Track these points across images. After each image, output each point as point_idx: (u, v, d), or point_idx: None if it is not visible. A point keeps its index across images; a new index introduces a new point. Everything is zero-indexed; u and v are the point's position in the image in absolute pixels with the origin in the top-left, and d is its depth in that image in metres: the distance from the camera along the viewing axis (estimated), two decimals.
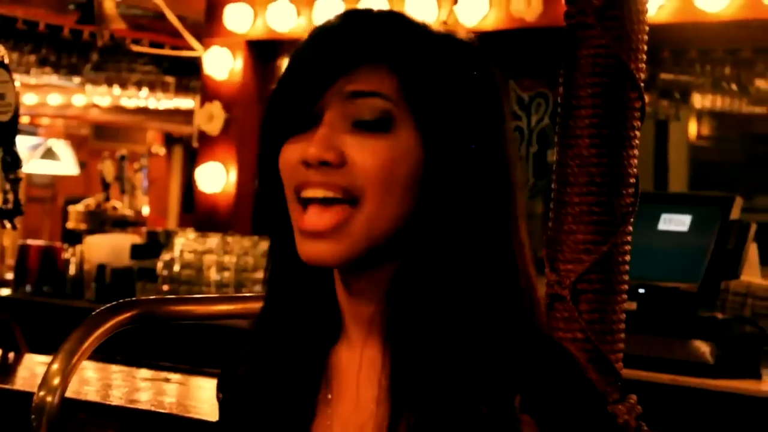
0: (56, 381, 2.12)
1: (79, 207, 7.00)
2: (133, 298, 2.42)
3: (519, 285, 1.39)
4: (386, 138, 1.34)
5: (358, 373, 1.41)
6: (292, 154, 1.35)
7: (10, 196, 3.16)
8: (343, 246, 1.34)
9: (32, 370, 2.64)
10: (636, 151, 2.02)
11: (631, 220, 2.02)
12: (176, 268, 5.95)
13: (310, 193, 1.33)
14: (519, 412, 1.30)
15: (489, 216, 1.37)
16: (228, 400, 1.52)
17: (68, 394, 2.22)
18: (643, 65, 2.00)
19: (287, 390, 1.44)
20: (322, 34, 1.41)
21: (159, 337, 4.88)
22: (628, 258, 2.03)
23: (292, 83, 1.38)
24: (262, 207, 1.45)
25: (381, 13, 1.42)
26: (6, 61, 3.20)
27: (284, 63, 6.29)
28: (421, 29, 1.40)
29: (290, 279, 1.44)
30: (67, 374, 2.13)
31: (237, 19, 6.50)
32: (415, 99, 1.34)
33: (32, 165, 11.84)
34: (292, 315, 1.45)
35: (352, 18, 1.41)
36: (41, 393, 2.14)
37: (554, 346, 1.39)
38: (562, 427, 1.31)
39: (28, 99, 10.35)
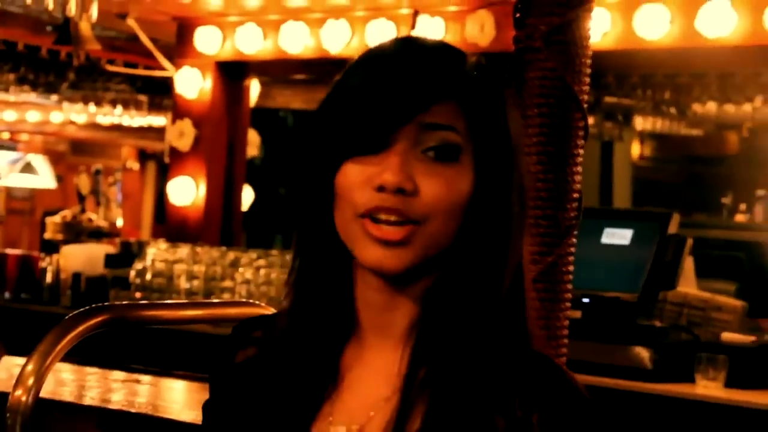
0: (30, 381, 2.10)
1: (56, 218, 6.96)
2: (105, 303, 2.40)
3: (525, 304, 1.41)
4: (454, 168, 1.35)
5: (367, 372, 1.42)
6: (358, 175, 1.35)
7: None
8: (407, 257, 1.35)
9: (10, 371, 2.62)
10: (579, 168, 2.04)
11: (575, 232, 2.04)
12: (148, 276, 5.92)
13: (383, 216, 1.34)
14: (537, 428, 1.31)
15: (512, 238, 1.39)
16: (220, 381, 1.51)
17: (43, 394, 2.20)
18: (587, 88, 2.01)
19: (294, 381, 1.43)
20: (388, 63, 1.40)
21: (131, 341, 4.85)
22: (571, 268, 2.05)
23: (365, 109, 1.37)
24: (302, 212, 1.45)
25: (438, 46, 1.42)
26: None
27: (252, 83, 6.21)
28: (471, 64, 1.40)
29: (315, 281, 1.44)
30: (41, 375, 2.11)
31: (207, 41, 6.47)
32: (478, 134, 1.36)
33: (12, 179, 11.76)
34: (311, 314, 1.45)
35: (415, 50, 1.41)
36: (16, 393, 2.11)
37: (553, 364, 1.39)
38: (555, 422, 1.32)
39: (8, 116, 10.27)
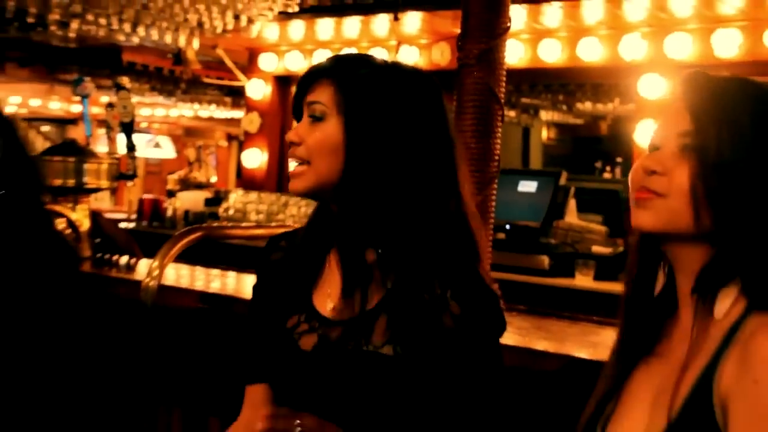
0: (155, 272, 2.12)
1: (174, 176, 6.98)
2: (199, 225, 2.42)
3: (448, 207, 1.35)
4: (322, 125, 1.35)
5: (337, 267, 1.40)
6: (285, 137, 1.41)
7: (131, 167, 3.15)
8: (302, 182, 1.37)
9: (143, 268, 2.62)
10: (498, 141, 2.03)
11: (495, 182, 2.03)
12: (231, 212, 5.90)
13: (290, 159, 1.38)
14: (450, 299, 1.30)
15: (394, 171, 1.33)
16: (262, 270, 1.50)
17: (165, 282, 2.21)
18: (503, 89, 1.99)
19: (300, 272, 1.43)
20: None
21: (221, 253, 4.88)
22: (493, 204, 2.03)
23: (294, 95, 1.42)
24: None
25: (346, 54, 1.43)
26: (128, 86, 3.17)
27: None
28: (367, 60, 1.39)
29: (317, 209, 1.45)
30: (162, 267, 2.12)
31: (267, 63, 6.42)
32: (343, 102, 1.34)
33: (148, 152, 11.71)
34: (315, 228, 1.45)
35: (329, 57, 1.42)
36: (146, 280, 2.13)
37: (471, 265, 1.35)
38: (473, 308, 1.30)
39: (144, 112, 10.20)
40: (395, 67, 1.39)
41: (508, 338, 1.79)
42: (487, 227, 2.03)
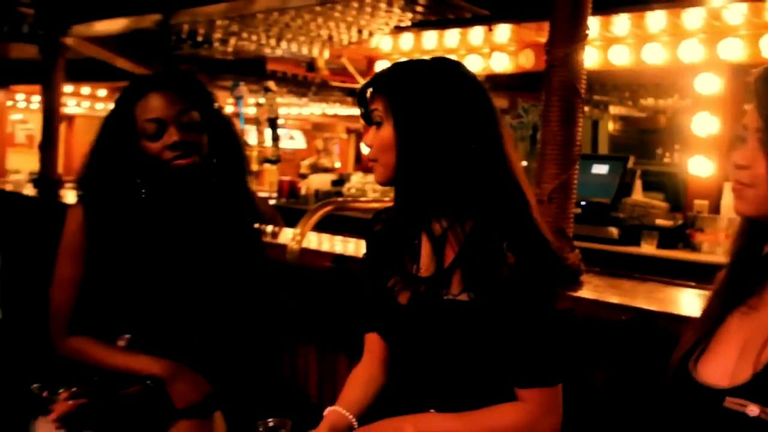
0: (298, 238, 2.17)
1: (306, 162, 7.08)
2: (331, 199, 2.44)
3: (507, 186, 1.34)
4: (381, 129, 1.37)
5: (428, 244, 1.41)
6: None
7: (276, 154, 3.22)
8: (378, 175, 1.40)
9: (286, 235, 2.68)
10: (579, 129, 1.98)
11: (577, 164, 1.99)
12: (352, 190, 5.98)
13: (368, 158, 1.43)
14: (506, 251, 1.30)
15: (451, 155, 1.33)
16: (368, 241, 1.53)
17: (305, 245, 2.26)
18: (583, 86, 1.95)
19: (396, 243, 1.44)
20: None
21: (344, 225, 4.94)
22: (576, 182, 2.00)
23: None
24: None
25: (395, 64, 1.41)
26: (274, 89, 3.24)
27: None
28: (409, 68, 1.37)
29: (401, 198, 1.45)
30: (302, 234, 2.17)
31: (382, 68, 6.45)
32: (394, 109, 1.34)
33: (284, 143, 11.92)
34: (401, 212, 1.44)
35: (381, 70, 1.42)
36: (290, 244, 2.19)
37: (528, 222, 1.33)
38: (525, 257, 1.29)
39: (282, 110, 10.38)
40: (433, 67, 1.37)
41: (586, 293, 1.76)
42: (570, 203, 2.00)
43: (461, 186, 1.32)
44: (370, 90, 1.40)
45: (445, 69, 1.36)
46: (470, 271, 1.31)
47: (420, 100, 1.33)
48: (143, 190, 1.68)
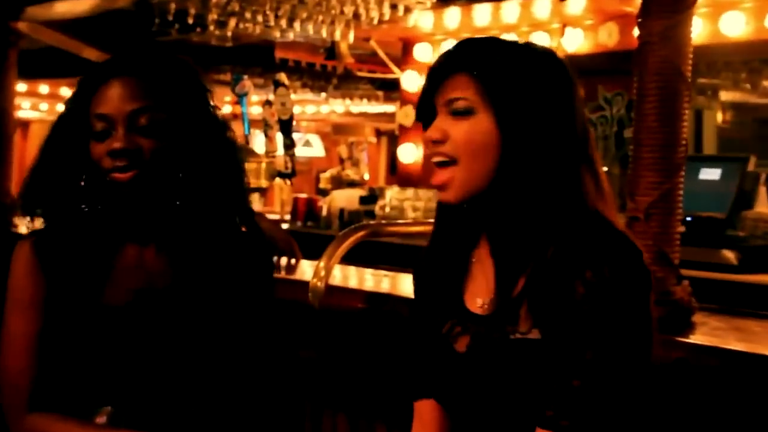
0: (322, 273, 2.17)
1: (326, 174, 7.12)
2: (364, 223, 2.46)
3: (584, 203, 1.35)
4: (469, 120, 1.35)
5: (487, 259, 1.42)
6: (423, 137, 1.41)
7: (289, 165, 3.24)
8: (452, 189, 1.37)
9: (305, 269, 2.69)
10: (686, 124, 1.97)
11: (682, 170, 1.97)
12: (387, 209, 5.98)
13: (434, 159, 1.38)
14: (584, 267, 1.29)
15: (550, 164, 1.34)
16: (416, 275, 1.56)
17: (330, 282, 2.27)
18: (690, 68, 1.94)
19: (445, 274, 1.46)
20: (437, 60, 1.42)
21: (379, 253, 4.94)
22: (681, 193, 1.98)
23: (422, 93, 1.42)
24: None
25: (473, 39, 1.42)
26: (286, 83, 3.27)
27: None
28: (498, 45, 1.38)
29: (447, 215, 1.48)
30: (329, 268, 2.17)
31: (422, 53, 6.47)
32: (490, 96, 1.34)
33: (296, 150, 12.05)
34: (448, 230, 1.48)
35: (455, 45, 1.41)
36: (313, 280, 2.19)
37: (610, 234, 1.33)
38: (609, 271, 1.28)
39: (294, 109, 10.49)
40: (530, 50, 1.39)
41: (702, 338, 1.74)
42: (675, 219, 1.98)
43: (555, 198, 1.33)
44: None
45: (543, 53, 1.39)
46: (541, 300, 1.31)
47: (527, 87, 1.34)
48: (87, 207, 1.65)
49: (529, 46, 1.39)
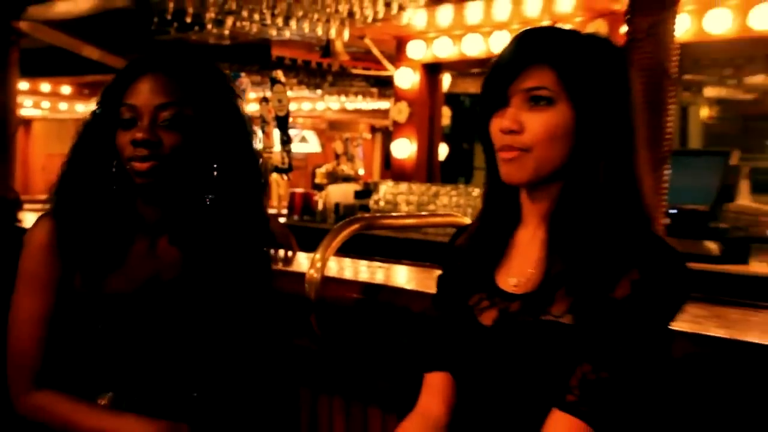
0: (318, 264, 2.16)
1: (322, 170, 7.10)
2: (358, 215, 2.46)
3: (639, 197, 1.36)
4: (549, 111, 1.34)
5: (530, 243, 1.43)
6: (496, 125, 1.37)
7: (286, 160, 3.25)
8: (519, 173, 1.36)
9: (301, 261, 2.70)
10: (671, 119, 1.99)
11: (668, 163, 2.00)
12: (381, 203, 5.99)
13: (506, 154, 1.36)
14: (631, 266, 1.29)
15: (617, 155, 1.35)
16: (447, 258, 1.55)
17: (326, 273, 2.27)
18: (675, 64, 1.96)
19: (485, 252, 1.46)
20: (504, 50, 1.40)
21: (373, 246, 4.95)
22: (666, 187, 2.00)
23: (492, 80, 1.40)
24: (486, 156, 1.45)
25: (544, 29, 1.41)
26: (283, 80, 3.28)
27: (445, 77, 6.17)
28: (570, 35, 1.38)
29: (495, 193, 1.46)
30: (324, 260, 2.17)
31: (415, 50, 6.49)
32: (569, 86, 1.33)
33: (292, 146, 12.01)
34: (496, 212, 1.47)
35: (527, 33, 1.40)
36: (310, 272, 2.19)
37: (657, 236, 1.35)
38: (655, 276, 1.29)
39: (291, 106, 10.45)
40: (601, 41, 1.40)
41: (684, 325, 1.76)
42: (659, 212, 2.00)
43: (620, 189, 1.34)
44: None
45: (609, 44, 1.39)
46: (581, 287, 1.31)
47: (602, 78, 1.34)
48: (114, 191, 1.69)
49: (596, 37, 1.40)
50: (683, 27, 4.95)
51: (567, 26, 1.44)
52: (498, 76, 1.37)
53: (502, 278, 1.43)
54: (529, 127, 1.34)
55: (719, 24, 4.94)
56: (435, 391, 1.48)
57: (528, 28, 1.41)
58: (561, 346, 1.30)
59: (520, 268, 1.41)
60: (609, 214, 1.33)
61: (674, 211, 4.17)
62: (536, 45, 1.36)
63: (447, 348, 1.47)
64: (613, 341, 1.27)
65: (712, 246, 4.06)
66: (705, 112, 9.13)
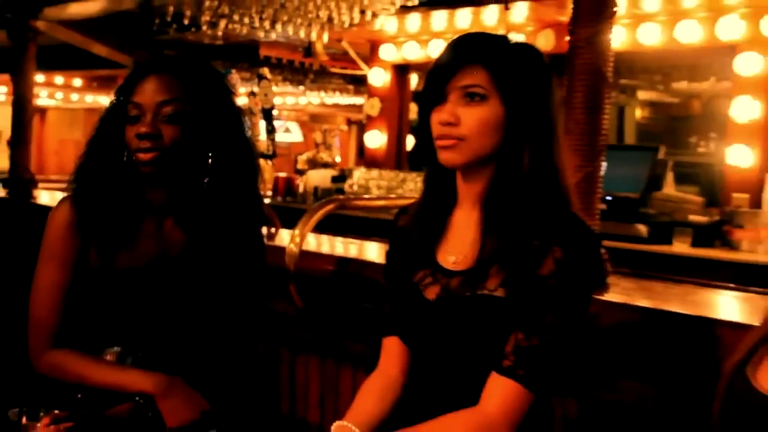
0: (297, 239, 2.17)
1: (303, 157, 7.06)
2: (333, 197, 2.45)
3: (558, 181, 1.38)
4: (483, 106, 1.35)
5: (466, 223, 1.43)
6: (435, 118, 1.38)
7: (271, 148, 3.24)
8: (459, 155, 1.37)
9: (283, 237, 2.69)
10: (606, 117, 1.99)
11: (603, 155, 2.00)
12: (355, 187, 5.99)
13: (443, 142, 1.37)
14: (555, 245, 1.32)
15: (540, 144, 1.37)
16: (393, 236, 1.56)
17: (304, 248, 2.27)
18: (610, 69, 1.96)
19: (426, 232, 1.47)
20: (445, 51, 1.41)
21: (346, 226, 4.94)
22: (602, 175, 2.01)
23: (432, 80, 1.40)
24: (419, 144, 1.47)
25: (479, 34, 1.43)
26: (269, 77, 3.26)
27: (413, 76, 6.15)
28: (501, 40, 1.40)
29: (434, 177, 1.47)
30: (303, 235, 2.18)
31: (387, 53, 6.45)
32: (500, 84, 1.35)
33: (277, 136, 11.94)
34: (436, 194, 1.47)
35: (463, 38, 1.41)
36: (290, 246, 2.19)
37: (576, 217, 1.37)
38: (575, 253, 1.31)
39: (276, 100, 10.38)
40: (526, 47, 1.42)
41: (615, 296, 1.78)
42: (596, 197, 2.01)
43: (544, 173, 1.36)
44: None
45: (533, 50, 1.43)
46: (511, 264, 1.32)
47: (529, 76, 1.36)
48: (124, 177, 1.70)
49: (524, 44, 1.42)
50: (619, 38, 4.98)
51: (500, 33, 1.45)
52: (437, 75, 1.38)
53: (443, 256, 1.43)
54: (464, 121, 1.35)
55: (650, 36, 4.97)
56: (391, 354, 1.50)
57: (464, 33, 1.42)
58: (496, 317, 1.33)
59: (459, 247, 1.42)
60: (533, 196, 1.35)
61: (609, 198, 4.21)
62: (471, 48, 1.37)
63: (398, 317, 1.48)
64: (541, 312, 1.30)
65: (641, 228, 4.09)
66: (638, 113, 9.21)
